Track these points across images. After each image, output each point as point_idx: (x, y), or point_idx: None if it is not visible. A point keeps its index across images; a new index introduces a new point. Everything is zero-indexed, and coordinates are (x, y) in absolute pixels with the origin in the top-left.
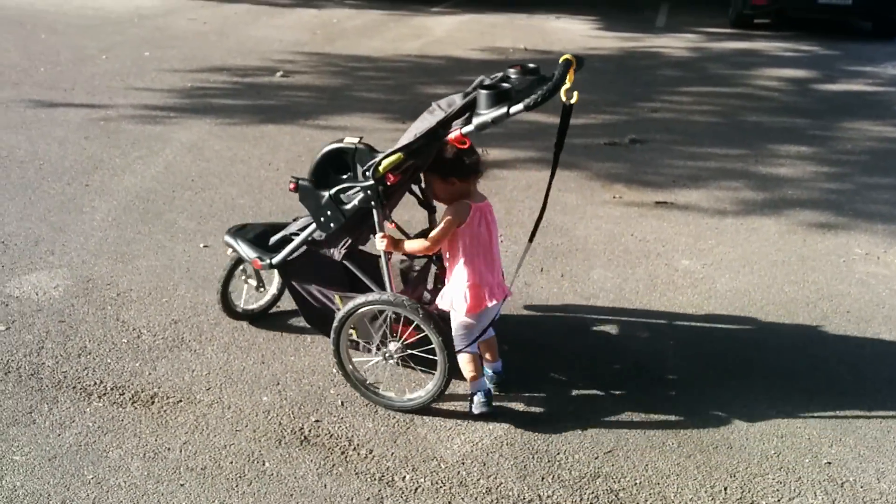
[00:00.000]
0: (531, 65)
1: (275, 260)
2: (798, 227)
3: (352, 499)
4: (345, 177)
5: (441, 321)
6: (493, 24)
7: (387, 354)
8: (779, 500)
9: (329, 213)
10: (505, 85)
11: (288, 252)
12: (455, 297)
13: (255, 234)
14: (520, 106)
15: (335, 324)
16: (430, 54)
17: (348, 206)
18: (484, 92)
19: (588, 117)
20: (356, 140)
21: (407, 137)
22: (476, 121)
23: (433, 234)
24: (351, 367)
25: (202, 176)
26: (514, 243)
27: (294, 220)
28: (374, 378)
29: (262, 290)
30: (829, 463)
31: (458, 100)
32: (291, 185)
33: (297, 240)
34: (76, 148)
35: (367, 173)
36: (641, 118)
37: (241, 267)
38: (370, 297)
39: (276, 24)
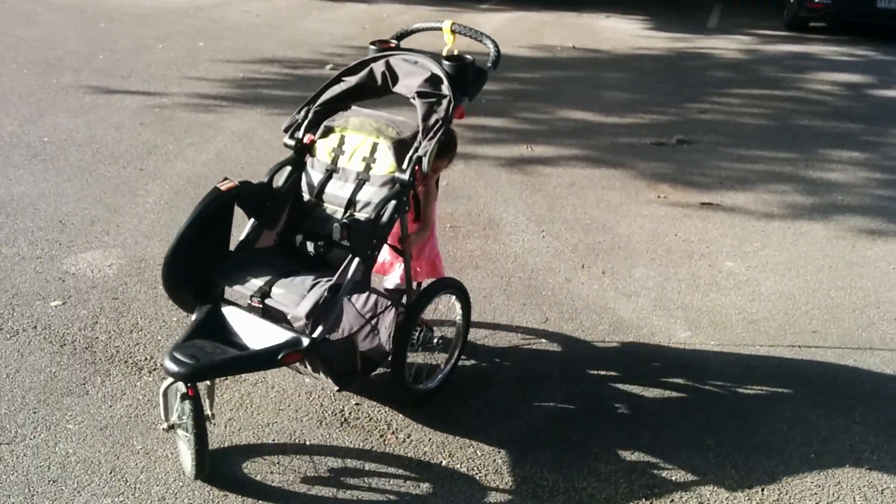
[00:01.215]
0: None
1: (318, 333)
2: (847, 232)
3: (389, 480)
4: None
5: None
6: (542, 21)
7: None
8: (817, 503)
9: (374, 240)
10: (468, 57)
11: (333, 317)
12: (427, 267)
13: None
14: (489, 66)
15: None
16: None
17: (385, 220)
18: (461, 64)
19: (635, 117)
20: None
21: (427, 117)
22: (471, 92)
23: (427, 215)
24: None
25: (251, 164)
26: (556, 239)
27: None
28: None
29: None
30: (870, 469)
31: (434, 66)
32: (343, 233)
33: (334, 294)
34: (132, 133)
35: (406, 170)
36: (689, 119)
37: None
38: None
39: (327, 17)
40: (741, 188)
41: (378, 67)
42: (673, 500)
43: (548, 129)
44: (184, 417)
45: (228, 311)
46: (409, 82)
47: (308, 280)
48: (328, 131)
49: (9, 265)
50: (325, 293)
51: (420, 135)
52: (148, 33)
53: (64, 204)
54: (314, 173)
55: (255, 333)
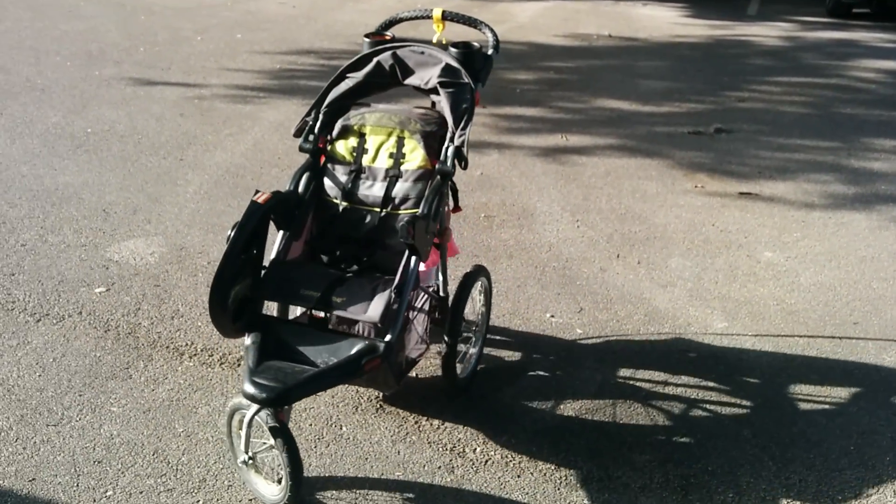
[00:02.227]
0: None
1: (391, 337)
2: (890, 222)
3: (424, 466)
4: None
5: None
6: (578, 10)
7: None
8: (856, 496)
9: (430, 235)
10: (474, 44)
11: (402, 318)
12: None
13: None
14: (492, 51)
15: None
16: (513, 40)
17: (436, 214)
18: (469, 51)
19: (672, 105)
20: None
21: (456, 107)
22: (482, 78)
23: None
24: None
25: (288, 154)
26: (591, 229)
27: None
28: None
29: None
30: None
31: (446, 56)
32: (409, 232)
33: (399, 295)
34: (172, 124)
35: (447, 161)
36: (728, 107)
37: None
38: None
39: (362, 8)
40: (781, 178)
41: (386, 60)
42: (709, 491)
43: (583, 118)
44: (264, 445)
45: (285, 329)
46: (423, 74)
47: (365, 284)
48: (345, 131)
49: (55, 253)
50: (393, 295)
51: (452, 125)
52: (187, 26)
53: (107, 193)
54: (336, 175)
55: (320, 346)
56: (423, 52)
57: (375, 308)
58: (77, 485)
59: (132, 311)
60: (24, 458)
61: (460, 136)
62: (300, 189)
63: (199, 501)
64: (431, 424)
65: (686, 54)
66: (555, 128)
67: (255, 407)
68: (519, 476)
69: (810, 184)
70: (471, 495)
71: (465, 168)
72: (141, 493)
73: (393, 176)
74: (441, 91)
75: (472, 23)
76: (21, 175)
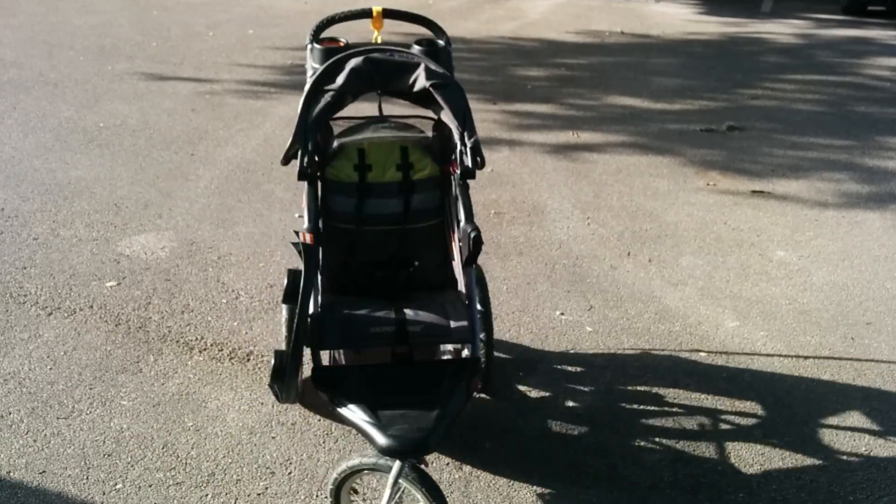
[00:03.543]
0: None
1: (479, 351)
2: None
3: (432, 462)
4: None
5: None
6: (590, 6)
7: None
8: (868, 497)
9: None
10: (439, 42)
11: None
12: None
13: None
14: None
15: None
16: (525, 36)
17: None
18: (436, 49)
19: (684, 103)
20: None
21: (456, 108)
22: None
23: None
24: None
25: None
26: (602, 227)
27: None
28: None
29: None
30: None
31: (421, 57)
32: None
33: (470, 308)
34: (183, 119)
35: (468, 163)
36: (741, 105)
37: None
38: None
39: (374, 4)
40: (794, 176)
41: (360, 67)
42: (718, 490)
43: (594, 115)
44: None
45: (369, 374)
46: (405, 78)
47: (428, 305)
48: (341, 149)
49: (66, 246)
50: (468, 310)
51: (457, 125)
52: (199, 21)
53: (119, 188)
54: (340, 198)
55: (417, 382)
56: (396, 55)
57: (459, 327)
58: (87, 477)
59: (143, 306)
60: (34, 450)
61: (471, 134)
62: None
63: (207, 495)
64: None
65: (699, 51)
66: (566, 125)
67: (398, 463)
68: (529, 474)
69: (824, 182)
70: (479, 492)
71: (482, 167)
72: (150, 486)
73: (406, 189)
74: (435, 93)
75: (418, 19)
76: (33, 169)
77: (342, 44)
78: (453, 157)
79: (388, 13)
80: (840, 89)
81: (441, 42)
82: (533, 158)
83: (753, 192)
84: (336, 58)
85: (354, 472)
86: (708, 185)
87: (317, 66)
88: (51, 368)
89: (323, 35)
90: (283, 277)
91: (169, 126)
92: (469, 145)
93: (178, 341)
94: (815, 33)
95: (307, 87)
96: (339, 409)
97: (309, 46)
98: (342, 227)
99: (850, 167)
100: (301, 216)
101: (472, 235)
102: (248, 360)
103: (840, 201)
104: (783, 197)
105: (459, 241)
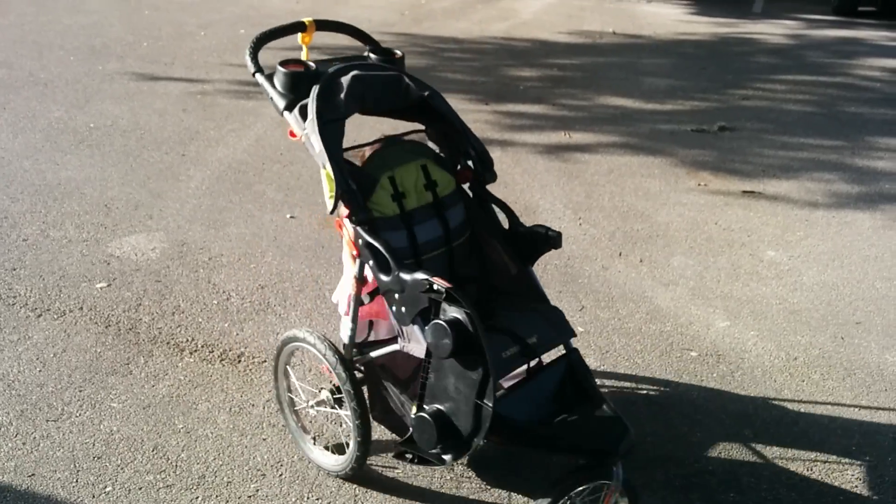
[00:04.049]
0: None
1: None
2: (894, 222)
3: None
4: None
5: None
6: (582, 7)
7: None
8: (859, 497)
9: None
10: (397, 51)
11: None
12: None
13: None
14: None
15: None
16: (517, 37)
17: None
18: (401, 58)
19: (676, 103)
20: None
21: (454, 115)
22: None
23: None
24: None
25: (290, 150)
26: (593, 227)
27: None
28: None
29: None
30: None
31: (394, 70)
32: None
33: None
34: (174, 119)
35: (487, 170)
36: (732, 105)
37: None
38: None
39: (366, 4)
40: (784, 176)
41: (354, 87)
42: (710, 490)
43: (586, 115)
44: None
45: (521, 396)
46: (395, 92)
47: (517, 313)
48: (374, 182)
49: (56, 248)
50: (552, 306)
51: (461, 131)
52: (190, 21)
53: (109, 188)
54: (391, 235)
55: (554, 387)
56: (377, 69)
57: (562, 327)
58: (76, 480)
59: (133, 307)
60: (23, 453)
61: (475, 138)
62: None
63: (198, 498)
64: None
65: (690, 52)
66: (558, 125)
67: (618, 466)
68: (518, 474)
69: (814, 182)
70: (470, 493)
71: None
72: (140, 489)
73: (441, 207)
74: (431, 104)
75: (351, 30)
76: (23, 170)
77: (311, 66)
78: (458, 167)
79: (322, 24)
80: (830, 90)
81: (398, 52)
82: (525, 159)
83: (744, 192)
84: (326, 81)
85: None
86: (699, 185)
87: (285, 92)
88: (40, 370)
89: (280, 58)
90: (275, 278)
91: (160, 126)
92: (479, 150)
93: (168, 343)
94: (806, 34)
95: (313, 122)
96: (532, 444)
97: (261, 76)
98: (407, 265)
99: (840, 167)
100: (293, 216)
101: (550, 233)
102: (239, 361)
103: (830, 201)
104: (774, 197)
105: (504, 246)
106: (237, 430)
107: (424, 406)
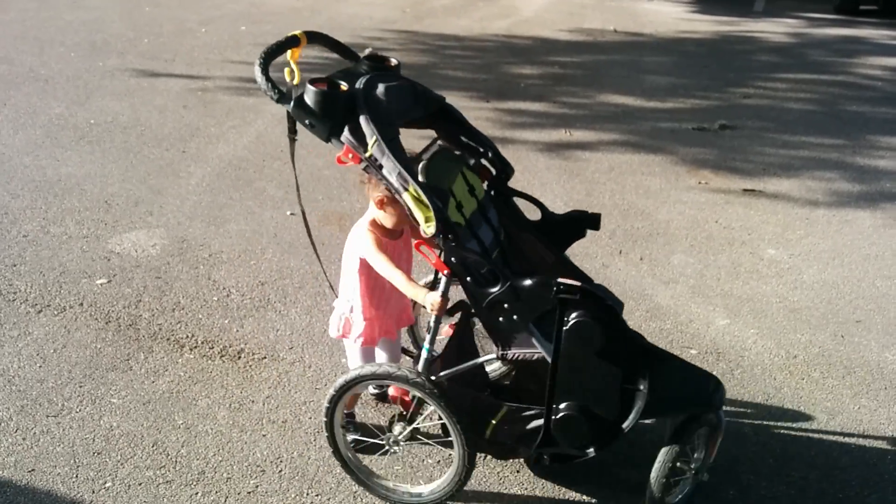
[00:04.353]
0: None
1: None
2: (895, 220)
3: (423, 460)
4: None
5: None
6: (583, 4)
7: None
8: (858, 494)
9: None
10: (392, 59)
11: None
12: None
13: None
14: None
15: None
16: (518, 34)
17: None
18: (398, 64)
19: (677, 101)
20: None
21: (464, 119)
22: None
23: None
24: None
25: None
26: None
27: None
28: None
29: None
30: None
31: (402, 77)
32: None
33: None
34: (175, 116)
35: (506, 168)
36: (733, 104)
37: None
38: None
39: (367, 1)
40: (785, 175)
41: (391, 102)
42: (710, 488)
43: (587, 113)
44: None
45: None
46: (417, 101)
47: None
48: (442, 194)
49: (56, 244)
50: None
51: (474, 135)
52: (191, 17)
53: (109, 185)
54: (469, 245)
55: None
56: (395, 79)
57: (614, 298)
58: (76, 476)
59: (133, 303)
60: (23, 448)
61: (486, 137)
62: None
63: (197, 493)
64: (431, 418)
65: (691, 50)
66: (559, 123)
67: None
68: (518, 471)
69: (815, 181)
70: (470, 490)
71: None
72: (140, 484)
73: (482, 209)
74: (448, 110)
75: (339, 48)
76: (24, 166)
77: (340, 84)
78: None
79: (312, 37)
80: (832, 88)
81: (394, 61)
82: (525, 157)
83: (745, 190)
84: (371, 99)
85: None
86: (700, 183)
87: (322, 116)
88: (40, 366)
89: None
90: (276, 274)
91: (160, 123)
92: (493, 148)
93: (168, 339)
94: (808, 32)
95: (380, 144)
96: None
97: (293, 106)
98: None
99: (841, 166)
100: (293, 213)
101: (591, 214)
102: (239, 357)
103: (831, 200)
104: (774, 195)
105: (537, 237)
106: (237, 427)
107: (559, 406)
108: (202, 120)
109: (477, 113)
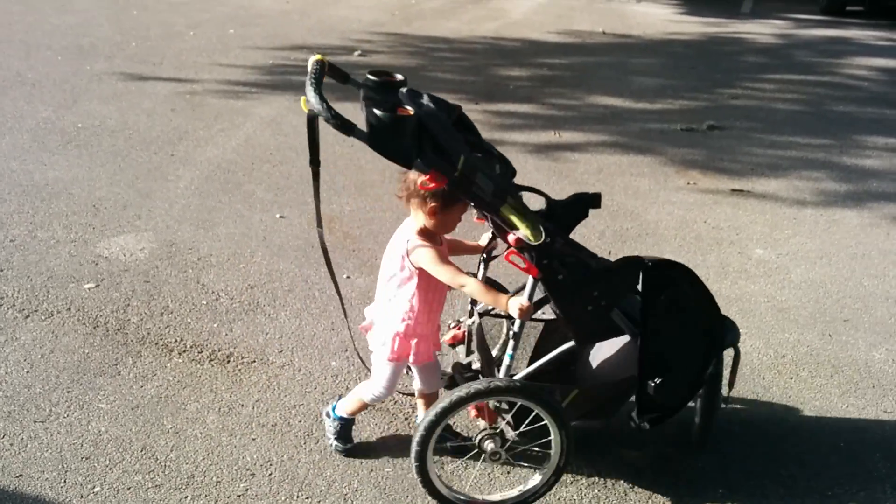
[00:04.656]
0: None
1: None
2: (881, 220)
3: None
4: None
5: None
6: (572, 7)
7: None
8: (846, 491)
9: None
10: (398, 75)
11: None
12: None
13: None
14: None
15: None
16: (507, 36)
17: None
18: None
19: (665, 102)
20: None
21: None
22: None
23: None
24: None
25: (280, 150)
26: (582, 225)
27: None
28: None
29: None
30: None
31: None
32: None
33: None
34: (163, 119)
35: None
36: (721, 105)
37: None
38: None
39: (356, 4)
40: (773, 175)
41: (440, 112)
42: (700, 487)
43: (576, 115)
44: None
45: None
46: (448, 110)
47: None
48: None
49: (44, 248)
50: None
51: (482, 141)
52: (179, 20)
53: (97, 189)
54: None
55: None
56: (420, 93)
57: None
58: (64, 481)
59: (121, 308)
60: (11, 454)
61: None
62: None
63: (187, 497)
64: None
65: (679, 51)
66: (547, 124)
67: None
68: (509, 472)
69: (802, 181)
70: (463, 494)
71: None
72: (129, 489)
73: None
74: (462, 117)
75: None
76: (10, 170)
77: (399, 78)
78: None
79: (331, 69)
80: (818, 89)
81: (399, 76)
82: (514, 158)
83: (733, 190)
84: (439, 120)
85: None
86: (688, 184)
87: (403, 137)
88: (28, 371)
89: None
90: (265, 278)
91: (148, 126)
92: (498, 152)
93: (157, 343)
94: (795, 33)
95: (471, 160)
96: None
97: (366, 133)
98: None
99: (828, 166)
100: (282, 216)
101: (592, 193)
102: (228, 361)
103: (818, 200)
104: (762, 195)
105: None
106: (226, 430)
107: (654, 375)
108: (190, 123)
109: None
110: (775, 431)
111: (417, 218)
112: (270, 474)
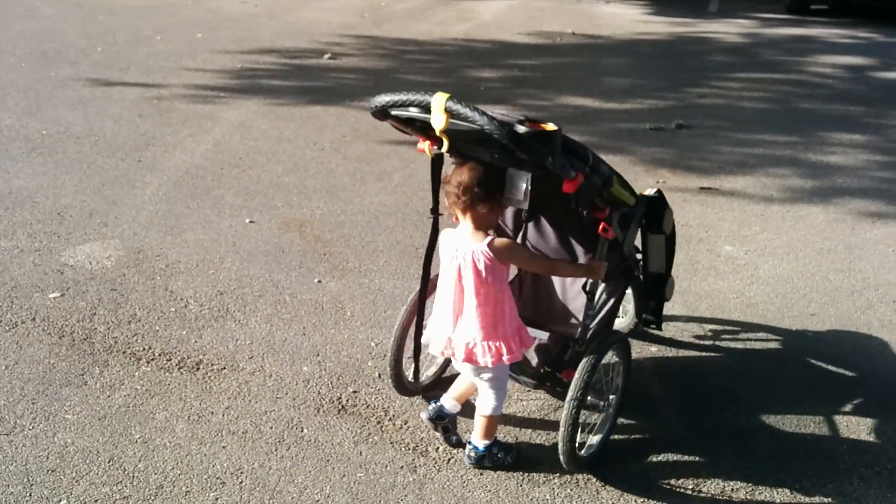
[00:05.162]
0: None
1: None
2: (847, 215)
3: (386, 466)
4: None
5: None
6: (542, 8)
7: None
8: (815, 484)
9: None
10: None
11: None
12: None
13: None
14: None
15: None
16: (477, 38)
17: None
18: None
19: (634, 102)
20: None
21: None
22: None
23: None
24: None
25: (249, 154)
26: None
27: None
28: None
29: None
30: (867, 451)
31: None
32: None
33: None
34: (130, 125)
35: None
36: (689, 103)
37: None
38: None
39: (326, 6)
40: (741, 172)
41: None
42: (669, 484)
43: (547, 115)
44: None
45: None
46: None
47: None
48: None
49: (7, 258)
50: None
51: None
52: (146, 25)
53: (62, 196)
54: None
55: None
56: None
57: None
58: (30, 494)
59: (87, 317)
60: None
61: None
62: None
63: None
64: (394, 424)
65: (648, 51)
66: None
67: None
68: (481, 473)
69: (769, 178)
70: (433, 493)
71: None
72: (96, 501)
73: None
74: None
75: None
76: None
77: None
78: None
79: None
80: (784, 87)
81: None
82: None
83: (702, 188)
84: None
85: None
86: (658, 182)
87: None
88: None
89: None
90: (234, 283)
91: (115, 132)
92: None
93: (124, 352)
94: (760, 32)
95: (595, 155)
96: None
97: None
98: None
99: (794, 162)
100: (252, 221)
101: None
102: (198, 369)
103: (785, 196)
104: (730, 193)
105: None
106: (196, 439)
107: (654, 273)
108: (158, 129)
109: None
110: (743, 426)
111: (474, 219)
112: (241, 482)
